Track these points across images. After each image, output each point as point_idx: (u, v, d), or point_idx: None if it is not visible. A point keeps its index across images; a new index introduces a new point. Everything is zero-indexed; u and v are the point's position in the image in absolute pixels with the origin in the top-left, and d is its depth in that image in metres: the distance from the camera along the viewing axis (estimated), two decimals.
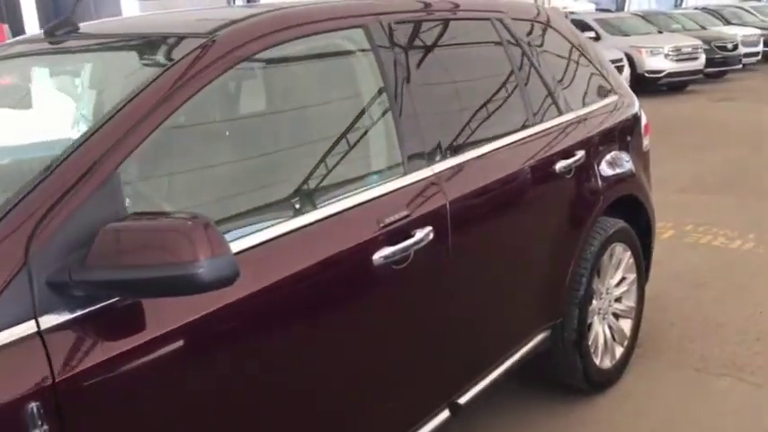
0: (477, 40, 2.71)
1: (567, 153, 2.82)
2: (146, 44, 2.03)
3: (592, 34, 13.84)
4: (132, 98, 1.62)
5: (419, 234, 2.06)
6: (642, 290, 3.43)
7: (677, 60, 13.58)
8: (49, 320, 1.35)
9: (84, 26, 2.22)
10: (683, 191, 6.62)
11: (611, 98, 3.37)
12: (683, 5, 27.66)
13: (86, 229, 1.40)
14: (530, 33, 2.98)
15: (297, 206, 1.89)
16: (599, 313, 3.17)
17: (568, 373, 3.07)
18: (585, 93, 3.19)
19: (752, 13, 19.87)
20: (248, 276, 1.66)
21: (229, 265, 1.36)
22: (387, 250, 1.97)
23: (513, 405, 3.07)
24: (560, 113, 2.93)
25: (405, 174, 2.15)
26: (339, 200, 1.94)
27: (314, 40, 2.12)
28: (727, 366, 3.36)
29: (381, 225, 1.98)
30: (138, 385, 1.47)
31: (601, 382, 3.18)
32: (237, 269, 1.38)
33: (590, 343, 3.07)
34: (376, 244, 1.96)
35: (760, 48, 17.18)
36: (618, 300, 3.30)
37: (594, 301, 3.11)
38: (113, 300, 1.43)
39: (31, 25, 12.74)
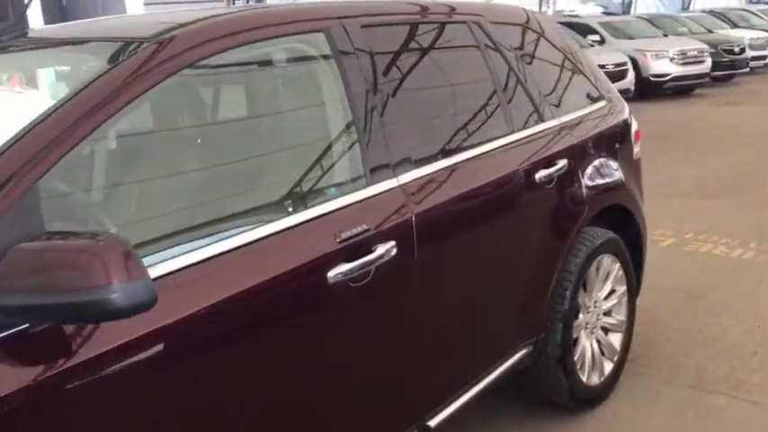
0: (451, 44, 2.58)
1: (548, 162, 2.69)
2: (86, 49, 1.93)
3: (596, 37, 13.70)
4: (59, 106, 1.52)
5: (380, 249, 1.94)
6: (633, 303, 3.30)
7: (683, 64, 13.41)
8: None
9: (34, 31, 2.13)
10: (685, 196, 6.49)
11: (599, 104, 3.24)
12: (691, 9, 27.45)
13: None
14: (511, 38, 2.86)
15: (242, 222, 1.77)
16: (586, 328, 3.04)
17: (553, 391, 2.95)
18: (570, 99, 3.06)
19: (760, 17, 19.66)
20: (185, 297, 1.55)
21: (146, 289, 1.26)
22: (343, 267, 1.86)
23: (495, 423, 2.95)
24: (542, 120, 2.81)
25: (367, 185, 2.04)
26: (290, 215, 1.83)
27: (269, 45, 2.01)
28: (723, 383, 3.23)
29: (338, 240, 1.87)
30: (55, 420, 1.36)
31: (588, 399, 3.06)
32: (155, 294, 1.27)
33: (576, 359, 2.95)
34: (331, 260, 1.84)
35: None
36: (607, 313, 3.17)
37: (581, 315, 2.99)
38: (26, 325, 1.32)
39: (37, 26, 12.69)
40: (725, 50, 15.07)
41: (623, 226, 3.26)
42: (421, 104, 2.36)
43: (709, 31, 16.72)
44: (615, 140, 3.25)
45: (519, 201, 2.60)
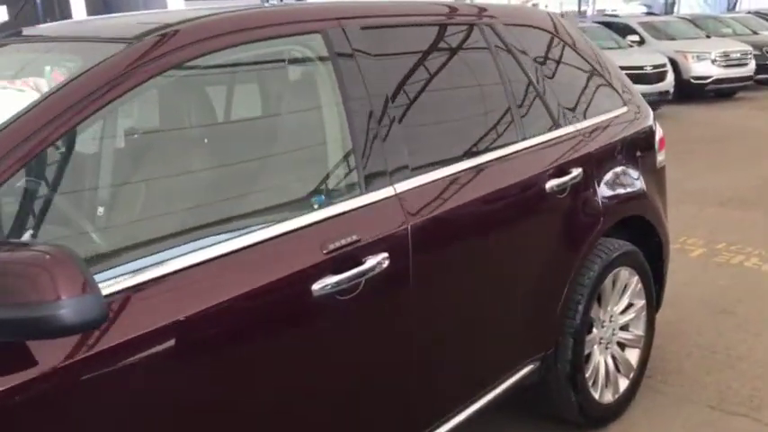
0: (459, 47, 2.47)
1: (560, 170, 2.57)
2: (68, 50, 1.87)
3: (635, 38, 13.39)
4: (29, 109, 1.46)
5: (371, 261, 1.86)
6: (652, 317, 3.16)
7: (725, 66, 13.02)
8: None
9: (28, 30, 2.09)
10: (721, 205, 6.27)
11: (620, 110, 3.10)
12: (737, 9, 26.74)
13: None
14: (526, 40, 2.74)
15: (223, 231, 1.69)
16: (600, 343, 2.92)
17: (562, 407, 2.83)
18: (589, 105, 2.92)
19: None
20: (157, 308, 1.49)
21: (96, 305, 1.19)
22: (330, 279, 1.78)
23: None
24: (557, 127, 2.68)
25: (361, 194, 1.95)
26: (274, 224, 1.75)
27: (262, 47, 1.93)
28: (745, 404, 3.08)
29: (324, 251, 1.79)
30: None
31: (600, 416, 2.93)
32: (105, 310, 1.21)
33: (588, 375, 2.83)
34: (317, 272, 1.76)
35: None
36: (624, 328, 3.04)
37: (594, 330, 2.87)
38: None
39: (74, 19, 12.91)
40: None
41: (644, 238, 3.13)
42: (423, 110, 2.26)
43: (755, 33, 16.22)
44: (637, 148, 3.11)
45: (526, 211, 2.48)
